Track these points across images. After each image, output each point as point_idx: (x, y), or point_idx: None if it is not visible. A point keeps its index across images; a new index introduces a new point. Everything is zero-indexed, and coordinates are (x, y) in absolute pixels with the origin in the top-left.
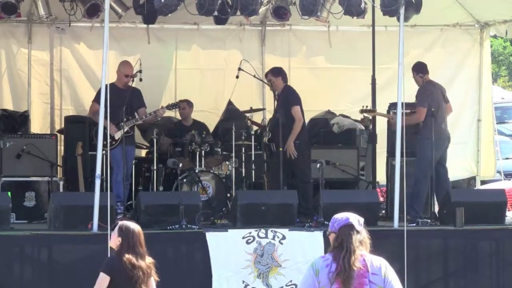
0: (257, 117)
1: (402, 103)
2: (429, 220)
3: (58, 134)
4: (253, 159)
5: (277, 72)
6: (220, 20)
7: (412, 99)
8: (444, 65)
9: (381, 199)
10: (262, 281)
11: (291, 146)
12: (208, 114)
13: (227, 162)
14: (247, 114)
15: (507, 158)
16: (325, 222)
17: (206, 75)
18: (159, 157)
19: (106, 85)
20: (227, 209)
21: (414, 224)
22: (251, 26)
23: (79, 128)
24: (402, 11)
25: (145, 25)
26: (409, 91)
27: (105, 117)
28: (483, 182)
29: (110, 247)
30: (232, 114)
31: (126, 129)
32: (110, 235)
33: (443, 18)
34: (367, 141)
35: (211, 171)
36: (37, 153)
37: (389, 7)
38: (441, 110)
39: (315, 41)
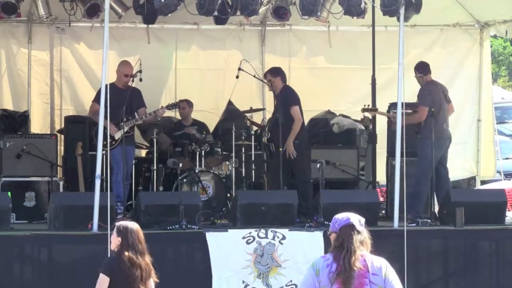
0: (257, 117)
1: (402, 103)
2: (429, 220)
3: (58, 134)
4: (253, 159)
5: (276, 72)
6: (220, 20)
7: (412, 99)
8: (444, 65)
9: (381, 199)
10: (262, 281)
11: (290, 146)
12: (208, 114)
13: (227, 162)
14: (247, 114)
15: (507, 158)
16: (325, 222)
17: (206, 75)
18: (159, 157)
19: (106, 85)
20: (227, 209)
21: (414, 224)
22: (251, 26)
23: (79, 128)
24: (402, 11)
25: (145, 25)
26: (409, 91)
27: (105, 117)
28: (483, 182)
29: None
30: (232, 114)
31: (126, 129)
32: (110, 238)
33: (443, 18)
34: (367, 141)
35: (211, 171)
36: (37, 153)
37: (389, 7)
38: (442, 110)
39: (315, 41)
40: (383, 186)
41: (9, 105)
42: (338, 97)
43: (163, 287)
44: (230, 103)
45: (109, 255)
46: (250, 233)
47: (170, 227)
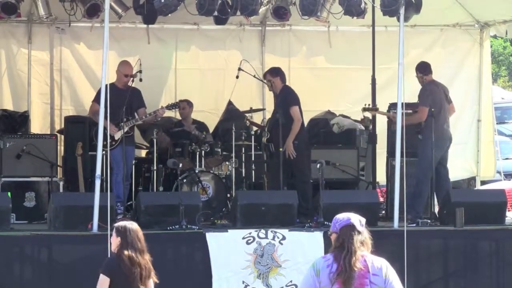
0: (257, 117)
1: (402, 103)
2: (429, 221)
3: (58, 134)
4: (253, 159)
5: (276, 72)
6: (220, 20)
7: (412, 99)
8: (444, 65)
9: (381, 199)
10: (262, 281)
11: (290, 146)
12: (208, 115)
13: (227, 163)
14: (247, 115)
15: (507, 159)
16: (325, 223)
17: (206, 75)
18: (159, 157)
19: (106, 85)
20: (227, 209)
21: (414, 225)
22: (251, 26)
23: (79, 128)
24: (402, 11)
25: (145, 25)
26: (409, 91)
27: (105, 117)
28: (483, 182)
29: (111, 245)
30: (232, 114)
31: (126, 129)
32: (110, 240)
33: (443, 18)
34: (367, 141)
35: (211, 172)
36: (37, 153)
37: (389, 7)
38: (443, 110)
39: (315, 41)
40: (383, 186)
41: (9, 105)
42: (338, 97)
43: (163, 287)
44: (230, 103)
45: (109, 256)
46: (250, 233)
47: (170, 228)
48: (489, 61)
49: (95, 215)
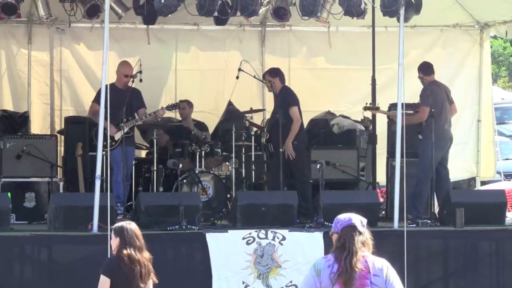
0: (257, 118)
1: (402, 103)
2: (429, 221)
3: (58, 135)
4: (253, 159)
5: (275, 73)
6: (220, 21)
7: (412, 99)
8: (444, 65)
9: (381, 199)
10: (262, 281)
11: (289, 147)
12: (208, 115)
13: (227, 163)
14: (247, 115)
15: (507, 159)
16: (325, 223)
17: (206, 75)
18: (159, 157)
19: (106, 86)
20: (227, 209)
21: (414, 225)
22: (251, 26)
23: (79, 129)
24: (402, 11)
25: (145, 26)
26: (409, 92)
27: (105, 118)
28: (483, 183)
29: (111, 248)
30: (232, 114)
31: (126, 129)
32: (110, 242)
33: (443, 18)
34: (367, 142)
35: (211, 172)
36: (37, 153)
37: (389, 8)
38: (444, 111)
39: (315, 42)
40: (383, 186)
41: (9, 106)
42: (338, 97)
43: (163, 287)
44: (230, 103)
45: (109, 256)
46: (250, 233)
47: (170, 228)
48: (489, 62)
49: (95, 215)
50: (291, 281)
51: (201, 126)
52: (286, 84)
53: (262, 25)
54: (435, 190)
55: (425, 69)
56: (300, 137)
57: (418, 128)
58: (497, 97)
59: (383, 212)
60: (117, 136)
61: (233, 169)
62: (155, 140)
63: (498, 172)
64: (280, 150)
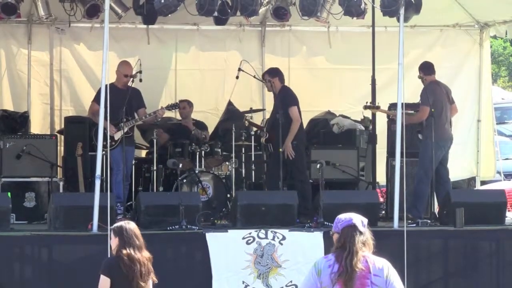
0: (257, 118)
1: (402, 103)
2: (429, 221)
3: (58, 135)
4: (253, 159)
5: (275, 73)
6: (220, 21)
7: (411, 99)
8: (444, 65)
9: (381, 199)
10: (262, 281)
11: (288, 147)
12: (208, 115)
13: (227, 163)
14: (247, 115)
15: (507, 159)
16: (325, 223)
17: (206, 75)
18: (159, 157)
19: (106, 86)
20: (227, 209)
21: (414, 225)
22: (251, 26)
23: (79, 129)
24: (402, 11)
25: (145, 26)
26: (409, 92)
27: (105, 118)
28: (483, 183)
29: (111, 248)
30: (232, 114)
31: (125, 129)
32: (110, 243)
33: (443, 18)
34: (367, 142)
35: (211, 172)
36: (37, 153)
37: (389, 8)
38: (444, 111)
39: (315, 42)
40: (383, 186)
41: (9, 106)
42: (338, 97)
43: (163, 287)
44: (230, 103)
45: (109, 256)
46: (250, 233)
47: (170, 228)
48: (489, 62)
49: (95, 215)
50: (291, 281)
51: (200, 125)
52: (286, 84)
53: (262, 25)
54: (435, 190)
55: (426, 68)
56: (299, 137)
57: (418, 128)
58: (497, 97)
59: (383, 212)
60: (117, 136)
61: (233, 169)
62: (155, 140)
63: (498, 172)
64: (280, 150)
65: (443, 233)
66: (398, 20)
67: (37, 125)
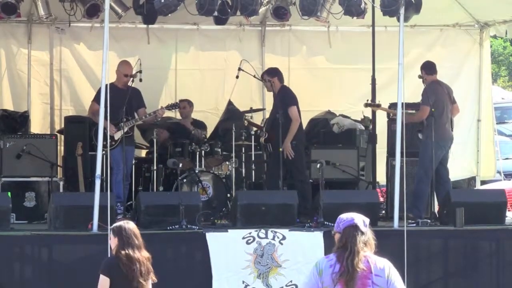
0: (257, 117)
1: (402, 103)
2: (429, 221)
3: (58, 134)
4: (253, 159)
5: (274, 72)
6: (220, 21)
7: (412, 99)
8: (444, 65)
9: (381, 199)
10: (262, 281)
11: (288, 146)
12: (208, 115)
13: (227, 162)
14: (247, 115)
15: (507, 158)
16: (325, 223)
17: (206, 75)
18: (159, 157)
19: (106, 86)
20: (227, 209)
21: (414, 224)
22: (251, 26)
23: (79, 128)
24: (402, 11)
25: (145, 25)
26: (409, 91)
27: (105, 118)
28: (483, 182)
29: (111, 248)
30: (232, 114)
31: (125, 129)
32: (110, 243)
33: (443, 18)
34: (367, 141)
35: (211, 171)
36: (37, 153)
37: (389, 7)
38: (445, 110)
39: (315, 41)
40: (383, 186)
41: (9, 105)
42: (338, 97)
43: (163, 287)
44: (230, 103)
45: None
46: (250, 233)
47: (170, 227)
48: (489, 61)
49: (95, 215)
50: (291, 281)
51: (199, 124)
52: (286, 83)
53: (262, 24)
54: (435, 190)
55: (428, 68)
56: (298, 137)
57: (419, 127)
58: (497, 96)
59: (383, 212)
60: (117, 135)
61: (233, 169)
62: (155, 140)
63: (498, 172)
64: (280, 149)
65: (443, 233)
66: (398, 19)
67: (37, 125)
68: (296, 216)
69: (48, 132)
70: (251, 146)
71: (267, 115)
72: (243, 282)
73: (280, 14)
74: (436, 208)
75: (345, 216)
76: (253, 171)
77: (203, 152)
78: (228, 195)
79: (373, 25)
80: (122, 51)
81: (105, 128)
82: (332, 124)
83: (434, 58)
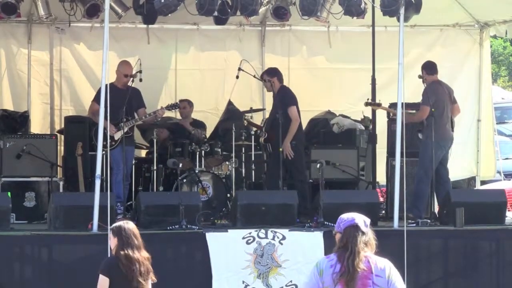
0: (257, 117)
1: (402, 103)
2: (429, 221)
3: (58, 134)
4: (253, 159)
5: (274, 73)
6: (220, 21)
7: (412, 99)
8: (444, 65)
9: (381, 199)
10: (262, 281)
11: (287, 146)
12: (208, 115)
13: (227, 162)
14: (247, 115)
15: (507, 158)
16: (325, 223)
17: (206, 75)
18: (159, 157)
19: (106, 86)
20: (227, 209)
21: (414, 224)
22: (251, 26)
23: (79, 128)
24: (402, 11)
25: (145, 25)
26: (409, 91)
27: (105, 118)
28: (483, 182)
29: (110, 248)
30: (232, 114)
31: (125, 129)
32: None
33: (443, 18)
34: (367, 141)
35: (211, 171)
36: (37, 153)
37: (389, 7)
38: (446, 111)
39: (315, 41)
40: (383, 186)
41: (9, 105)
42: (338, 97)
43: (163, 287)
44: (230, 103)
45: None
46: (250, 233)
47: (170, 227)
48: (489, 61)
49: (95, 215)
50: (291, 281)
51: (199, 124)
52: (286, 83)
53: (262, 24)
54: (435, 190)
55: (429, 68)
56: (298, 137)
57: (419, 127)
58: (497, 96)
59: (383, 212)
60: (117, 135)
61: (233, 169)
62: (155, 140)
63: (498, 172)
64: (280, 149)
65: (443, 233)
66: (398, 19)
67: (37, 125)
68: (296, 216)
69: (48, 132)
70: (251, 146)
71: (267, 115)
72: (243, 282)
73: (280, 14)
74: (436, 208)
75: (346, 216)
76: (253, 171)
77: (203, 152)
78: (228, 195)
79: (373, 25)
80: (122, 51)
81: (105, 128)
82: (332, 124)
83: (434, 58)
